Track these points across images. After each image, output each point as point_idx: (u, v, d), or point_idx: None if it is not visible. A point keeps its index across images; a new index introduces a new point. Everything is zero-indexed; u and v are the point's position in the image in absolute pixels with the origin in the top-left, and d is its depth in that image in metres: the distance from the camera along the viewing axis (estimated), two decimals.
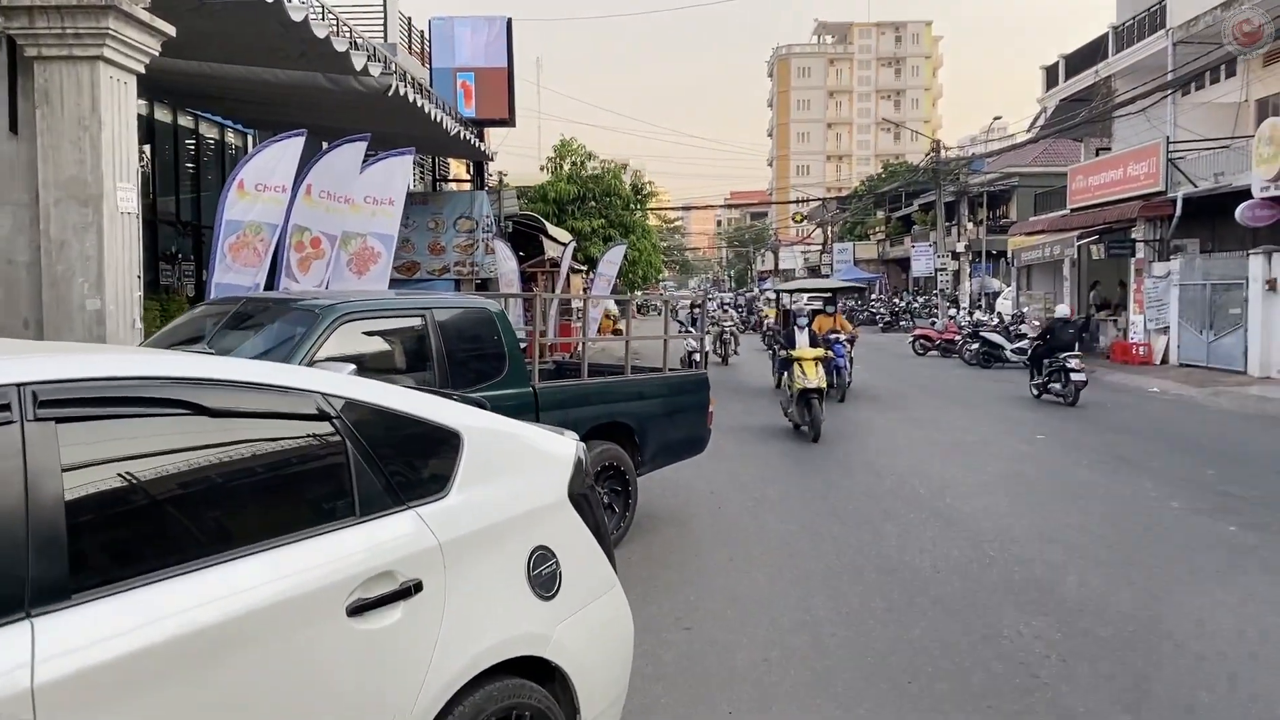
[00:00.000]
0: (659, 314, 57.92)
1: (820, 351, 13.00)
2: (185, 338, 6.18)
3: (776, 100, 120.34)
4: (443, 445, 2.99)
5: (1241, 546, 7.13)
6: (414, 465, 2.91)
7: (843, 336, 16.83)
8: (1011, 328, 25.41)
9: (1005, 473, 10.08)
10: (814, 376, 12.25)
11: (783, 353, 13.43)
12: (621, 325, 39.80)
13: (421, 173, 25.67)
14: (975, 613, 5.68)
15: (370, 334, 5.97)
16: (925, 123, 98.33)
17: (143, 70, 7.90)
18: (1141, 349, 23.00)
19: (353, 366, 5.20)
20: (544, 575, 3.05)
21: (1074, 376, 15.66)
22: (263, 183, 8.20)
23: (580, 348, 6.75)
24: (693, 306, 20.44)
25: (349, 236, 8.43)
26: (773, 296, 35.87)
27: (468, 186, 24.70)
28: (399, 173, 9.20)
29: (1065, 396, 15.87)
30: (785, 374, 13.41)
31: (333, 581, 2.47)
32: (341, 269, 8.40)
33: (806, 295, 23.00)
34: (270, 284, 8.62)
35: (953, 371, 22.88)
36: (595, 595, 3.27)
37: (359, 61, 11.79)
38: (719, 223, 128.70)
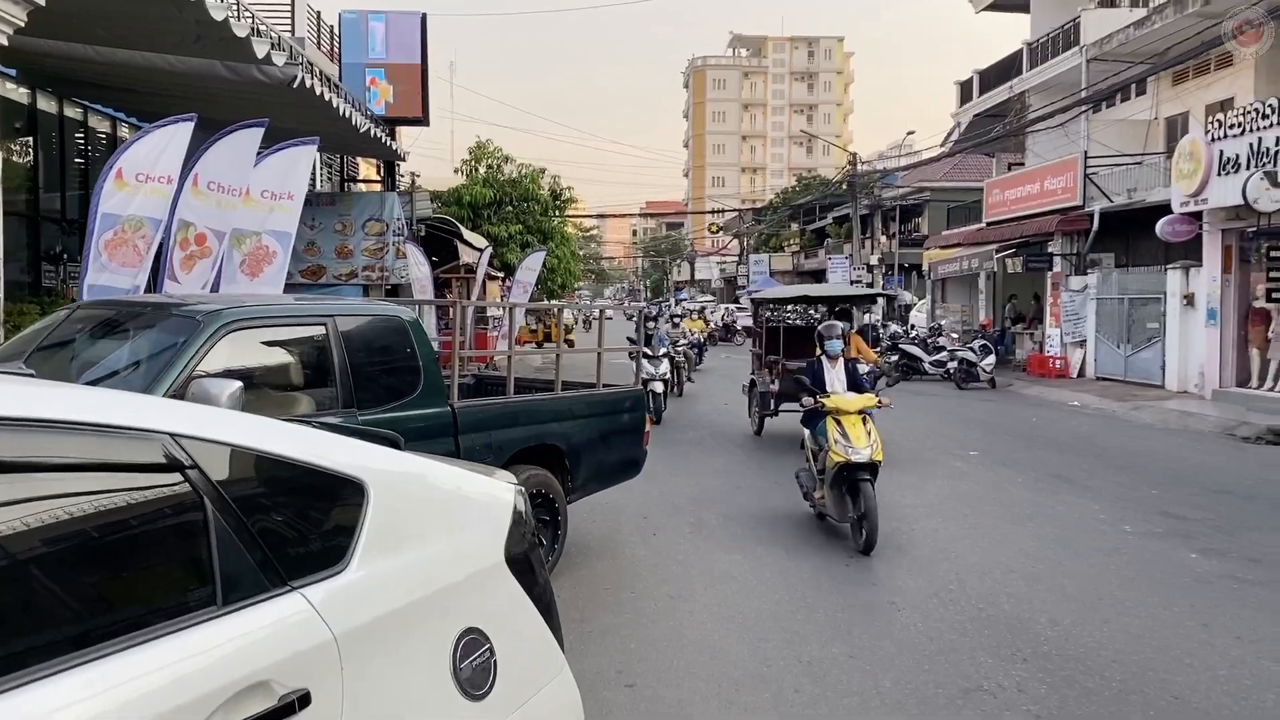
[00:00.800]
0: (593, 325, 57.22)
1: (869, 400, 8.15)
2: (45, 344, 5.27)
3: (692, 111, 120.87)
4: (341, 500, 2.25)
5: (1207, 576, 6.75)
6: (301, 530, 2.17)
7: (864, 367, 11.76)
8: (929, 340, 25.40)
9: (946, 493, 9.65)
10: (863, 442, 7.60)
11: (807, 400, 8.17)
12: (573, 336, 39.09)
13: (330, 172, 24.52)
14: (946, 659, 5.12)
15: (262, 345, 5.15)
16: (837, 137, 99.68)
17: (4, 42, 6.93)
18: (1058, 362, 23.16)
19: (238, 384, 4.39)
20: (474, 668, 2.32)
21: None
22: (144, 172, 7.27)
23: (506, 360, 6.11)
24: (646, 319, 15.48)
25: (242, 235, 7.54)
26: (743, 307, 34.92)
27: (378, 188, 23.61)
28: (300, 165, 8.34)
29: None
30: (810, 433, 8.37)
31: (180, 703, 1.72)
32: (233, 270, 7.51)
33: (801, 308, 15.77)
34: (152, 286, 7.69)
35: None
36: (539, 685, 2.56)
37: (260, 49, 10.85)
38: (634, 232, 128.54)
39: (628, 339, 22.25)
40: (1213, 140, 16.57)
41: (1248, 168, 15.42)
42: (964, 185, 44.66)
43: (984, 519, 8.49)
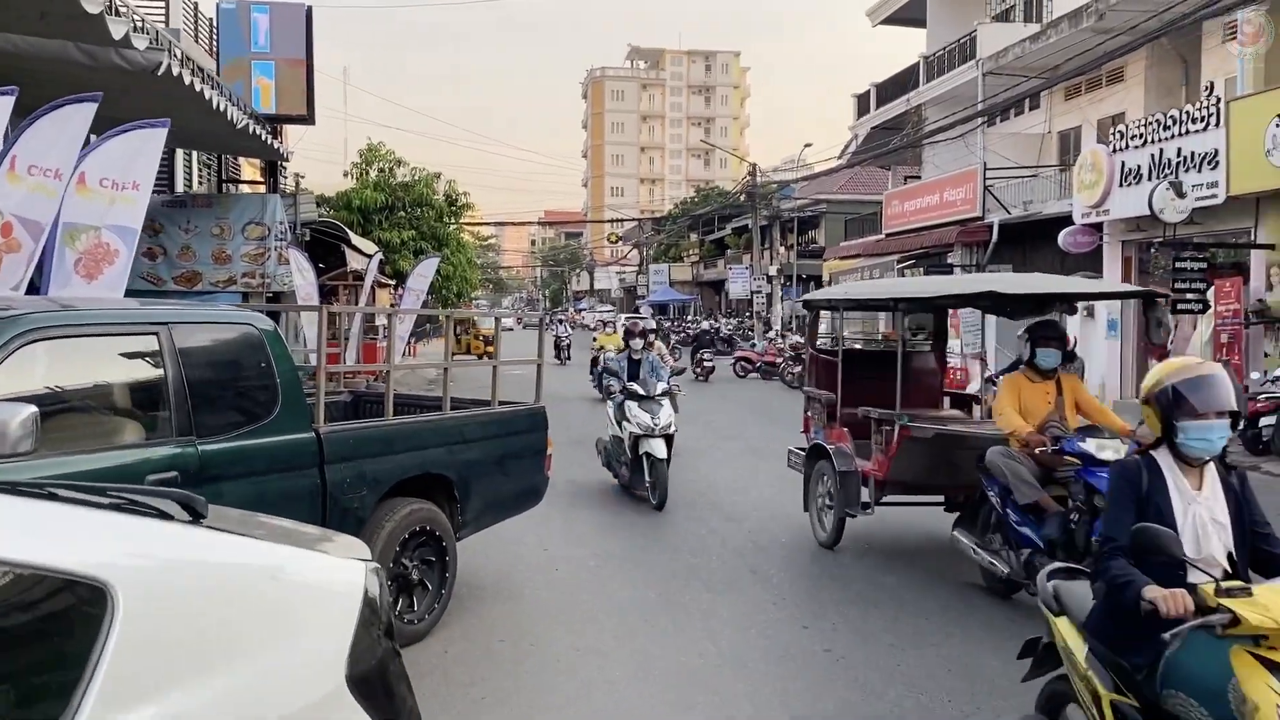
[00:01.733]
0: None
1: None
2: None
3: (591, 121, 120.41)
4: (65, 618, 1.39)
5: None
6: None
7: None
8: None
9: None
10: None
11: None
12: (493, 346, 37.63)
13: (208, 173, 23.00)
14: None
15: (72, 358, 4.15)
16: (734, 150, 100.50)
17: None
18: (959, 374, 23.13)
19: (31, 410, 3.44)
20: None
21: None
22: None
23: (384, 375, 5.26)
24: (630, 336, 11.56)
25: (76, 230, 6.44)
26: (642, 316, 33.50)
27: (262, 189, 22.19)
28: (147, 151, 7.25)
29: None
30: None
31: None
32: (67, 272, 6.41)
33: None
34: None
35: (778, 395, 22.26)
36: None
37: (118, 29, 9.64)
38: (533, 242, 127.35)
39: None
40: (1114, 151, 16.61)
41: (1149, 179, 15.44)
42: (861, 198, 45.15)
43: (908, 551, 7.90)
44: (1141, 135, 15.92)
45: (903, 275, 24.71)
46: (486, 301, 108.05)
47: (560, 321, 25.98)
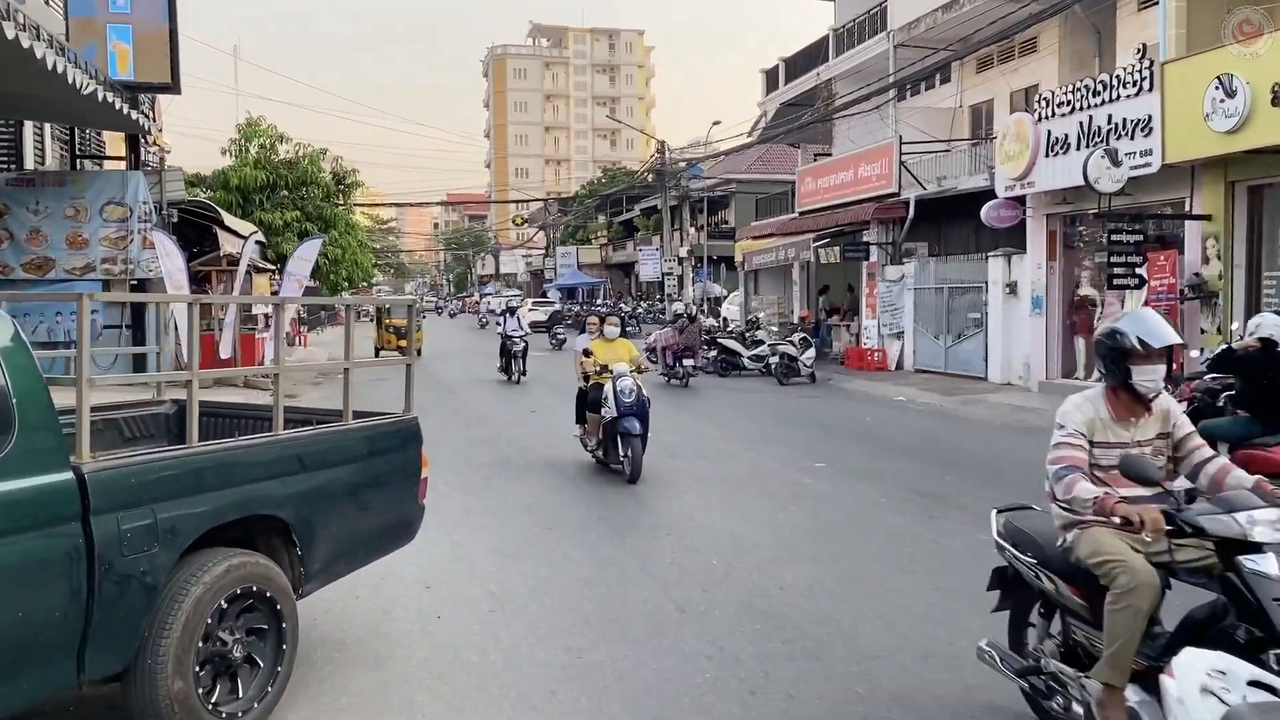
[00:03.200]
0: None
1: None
2: None
3: (493, 101, 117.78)
4: None
5: None
6: None
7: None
8: (747, 334, 24.22)
9: (807, 524, 7.95)
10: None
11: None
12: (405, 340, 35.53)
13: (60, 148, 20.74)
14: None
15: None
16: (640, 131, 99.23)
17: None
18: (876, 354, 22.43)
19: None
20: None
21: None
22: None
23: (272, 379, 4.16)
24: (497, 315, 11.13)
25: None
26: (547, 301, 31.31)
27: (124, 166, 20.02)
28: None
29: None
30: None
31: None
32: None
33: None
34: None
35: (692, 381, 21.19)
36: None
37: None
38: (436, 225, 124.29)
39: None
40: (1039, 120, 15.86)
41: (1078, 148, 14.71)
42: (771, 177, 44.41)
43: (865, 563, 6.79)
44: (1069, 102, 15.19)
45: (818, 254, 23.86)
46: (389, 287, 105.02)
47: (510, 312, 21.41)
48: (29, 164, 19.32)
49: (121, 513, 3.56)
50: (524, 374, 20.43)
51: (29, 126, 19.55)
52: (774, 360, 20.72)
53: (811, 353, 20.84)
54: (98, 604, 3.45)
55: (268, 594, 4.11)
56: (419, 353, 21.43)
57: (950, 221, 23.08)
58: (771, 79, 34.26)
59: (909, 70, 24.30)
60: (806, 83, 30.81)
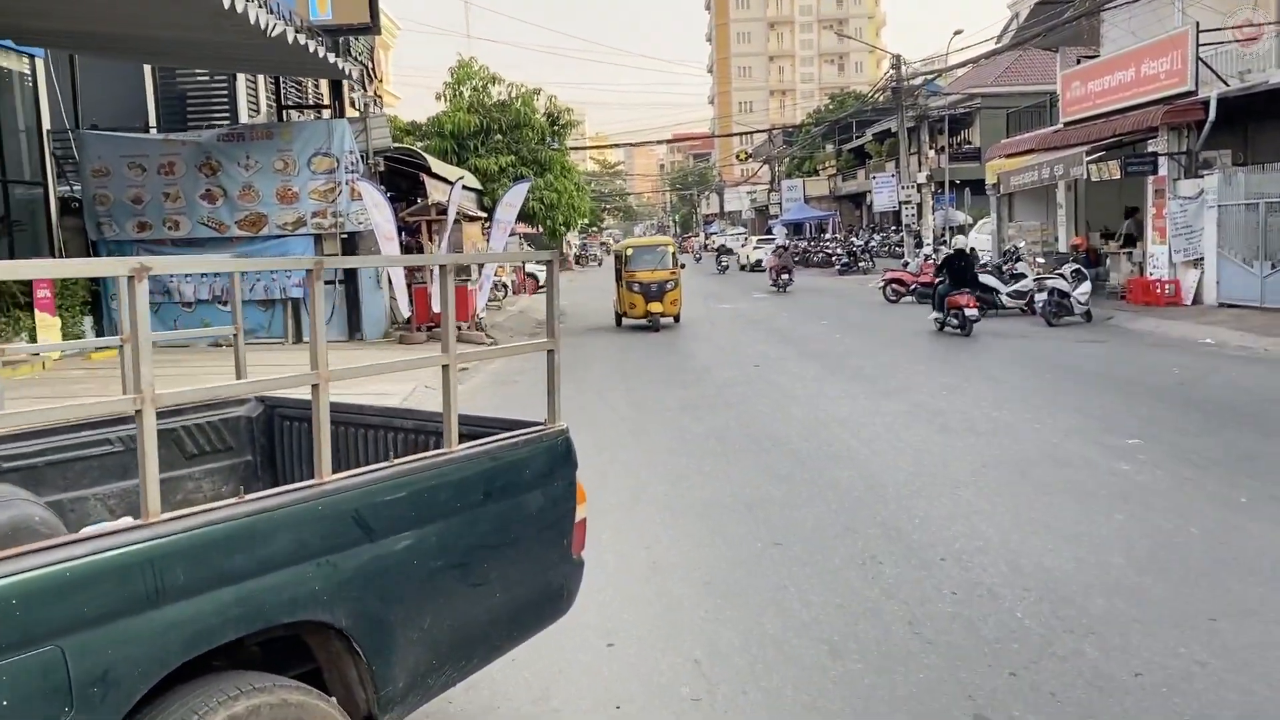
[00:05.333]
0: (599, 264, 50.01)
1: None
2: None
3: (715, 34, 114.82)
4: None
5: None
6: None
7: None
8: (1005, 267, 21.12)
9: (1145, 545, 5.62)
10: None
11: None
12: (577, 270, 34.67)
13: (269, 98, 20.49)
14: None
15: None
16: (871, 48, 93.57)
17: None
18: (1167, 287, 18.85)
19: None
20: None
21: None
22: None
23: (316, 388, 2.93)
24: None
25: None
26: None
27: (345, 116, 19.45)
28: None
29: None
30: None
31: None
32: None
33: None
34: None
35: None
36: None
37: None
38: (662, 166, 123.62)
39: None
40: None
41: None
42: (1023, 89, 39.76)
43: (1262, 625, 4.49)
44: None
45: (1090, 170, 20.29)
46: (619, 231, 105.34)
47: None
48: (243, 118, 19.16)
49: (19, 658, 1.97)
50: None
51: (241, 80, 19.37)
52: (1041, 297, 17.72)
53: (1087, 287, 17.68)
54: None
55: None
56: (676, 319, 19.88)
57: (1262, 125, 19.00)
58: None
59: None
60: None
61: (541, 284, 34.04)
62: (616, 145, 63.59)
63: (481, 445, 3.05)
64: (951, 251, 18.65)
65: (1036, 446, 8.07)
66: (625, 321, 19.89)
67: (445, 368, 2.93)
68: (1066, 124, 23.61)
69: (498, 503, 3.05)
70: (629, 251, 19.77)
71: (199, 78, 19.76)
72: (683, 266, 20.25)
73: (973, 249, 20.25)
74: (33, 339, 15.11)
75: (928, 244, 33.34)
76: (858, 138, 50.96)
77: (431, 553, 2.82)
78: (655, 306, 18.99)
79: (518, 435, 3.21)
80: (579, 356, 15.24)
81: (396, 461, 2.81)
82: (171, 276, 17.21)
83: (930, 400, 10.35)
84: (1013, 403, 10.10)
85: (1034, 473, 7.19)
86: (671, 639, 4.50)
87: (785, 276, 28.14)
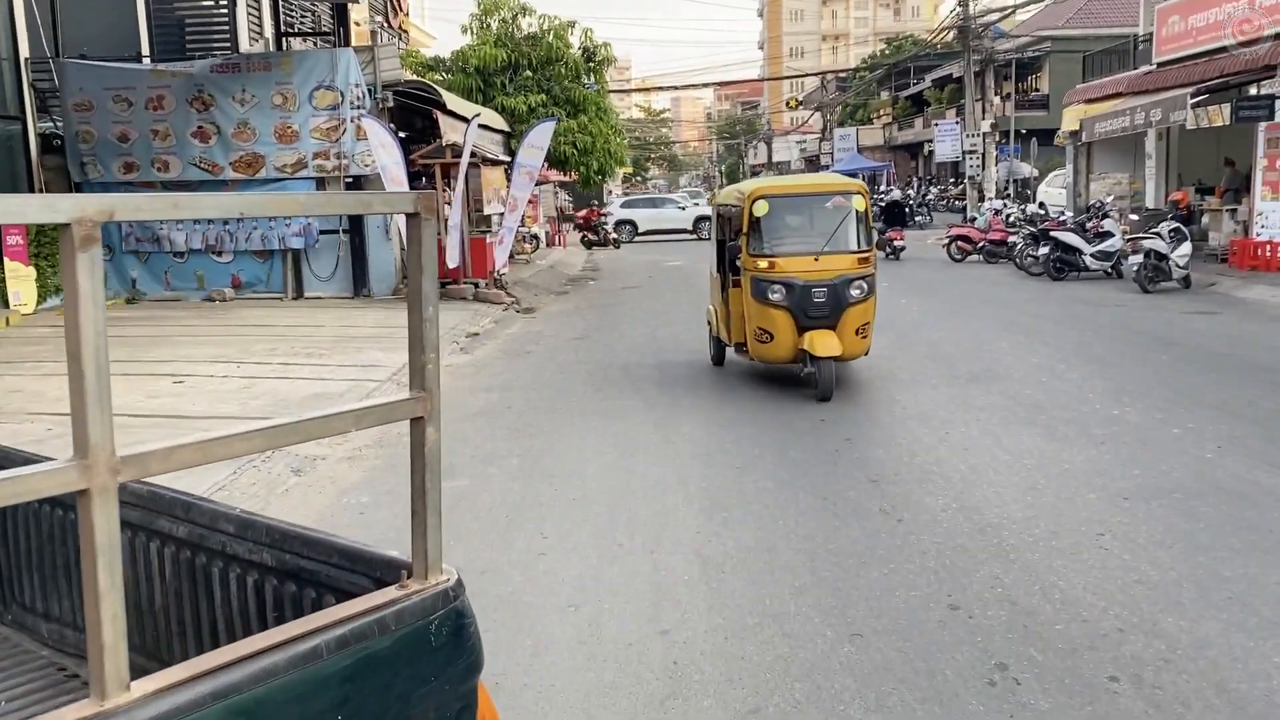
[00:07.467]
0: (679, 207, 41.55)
1: None
2: None
3: None
4: None
5: None
6: None
7: None
8: (1089, 225, 18.85)
9: None
10: None
11: None
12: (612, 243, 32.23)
13: (274, 25, 18.56)
14: None
15: None
16: None
17: None
18: (1279, 249, 16.55)
19: None
20: None
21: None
22: None
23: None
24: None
25: None
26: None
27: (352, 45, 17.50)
28: None
29: None
30: None
31: None
32: None
33: None
34: None
35: (1019, 288, 16.49)
36: None
37: None
38: (709, 115, 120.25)
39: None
40: None
41: None
42: (1098, 31, 36.82)
43: None
44: None
45: (1195, 115, 17.88)
46: (664, 181, 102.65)
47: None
48: (244, 47, 17.35)
49: None
50: None
51: (243, 6, 17.52)
52: (1136, 259, 15.52)
53: (1187, 248, 15.45)
54: None
55: None
56: (866, 351, 9.01)
57: None
58: None
59: None
60: None
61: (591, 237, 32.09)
62: (660, 89, 61.13)
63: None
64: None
65: (1184, 464, 6.12)
66: (734, 356, 9.72)
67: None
68: (1160, 64, 21.10)
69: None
70: (762, 207, 8.58)
71: (199, 1, 17.98)
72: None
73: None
74: (2, 292, 13.61)
75: (991, 197, 30.85)
76: (915, 84, 48.09)
77: None
78: (823, 340, 8.32)
79: (355, 610, 1.36)
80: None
81: None
82: (161, 224, 15.57)
83: (1025, 390, 8.39)
84: (1130, 394, 8.10)
85: (1201, 510, 5.25)
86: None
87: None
